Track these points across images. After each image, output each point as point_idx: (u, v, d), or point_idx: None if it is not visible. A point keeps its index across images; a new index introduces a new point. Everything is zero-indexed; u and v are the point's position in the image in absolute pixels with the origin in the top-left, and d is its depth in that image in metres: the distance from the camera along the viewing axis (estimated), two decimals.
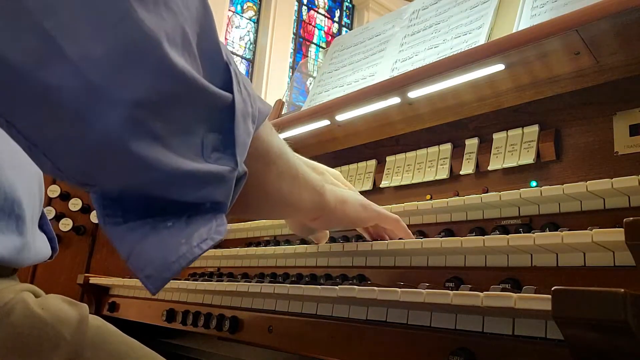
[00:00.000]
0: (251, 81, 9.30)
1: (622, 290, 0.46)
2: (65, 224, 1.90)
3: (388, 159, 1.40)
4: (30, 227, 0.63)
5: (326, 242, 1.04)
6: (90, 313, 0.63)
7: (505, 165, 1.12)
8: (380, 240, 0.98)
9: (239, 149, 0.46)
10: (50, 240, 0.72)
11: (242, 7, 8.97)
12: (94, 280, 1.53)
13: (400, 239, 0.97)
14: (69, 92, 0.35)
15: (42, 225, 0.71)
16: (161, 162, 0.39)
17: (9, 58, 0.33)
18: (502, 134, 1.16)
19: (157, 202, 0.43)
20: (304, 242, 1.28)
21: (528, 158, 1.09)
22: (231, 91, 0.45)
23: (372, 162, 1.45)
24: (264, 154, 0.58)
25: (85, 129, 0.36)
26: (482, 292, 0.59)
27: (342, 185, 0.93)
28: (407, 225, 1.00)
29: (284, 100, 2.12)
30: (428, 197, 1.26)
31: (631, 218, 0.59)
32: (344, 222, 0.85)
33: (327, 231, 0.98)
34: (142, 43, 0.36)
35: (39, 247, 0.66)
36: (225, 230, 0.47)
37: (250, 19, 9.05)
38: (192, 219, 0.44)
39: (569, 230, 0.72)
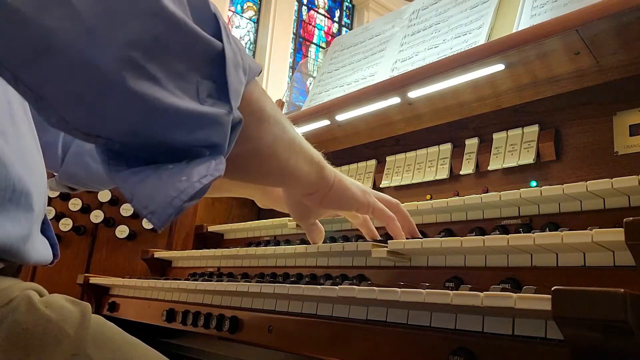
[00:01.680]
0: None
1: (622, 290, 0.46)
2: (65, 224, 1.90)
3: (388, 159, 1.40)
4: (36, 223, 0.64)
5: (326, 242, 1.04)
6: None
7: (505, 165, 1.12)
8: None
9: (233, 94, 0.47)
10: (52, 246, 0.72)
11: (242, 7, 8.97)
12: (94, 280, 1.53)
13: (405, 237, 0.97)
14: (68, 34, 0.37)
15: (45, 230, 0.71)
16: (158, 99, 0.42)
17: (9, 3, 0.36)
18: (502, 134, 1.16)
19: (158, 150, 0.45)
20: (304, 242, 1.28)
21: (528, 158, 1.09)
22: (220, 40, 0.47)
23: (372, 162, 1.45)
24: (257, 111, 0.59)
25: (85, 70, 0.38)
26: (482, 292, 0.59)
27: None
28: None
29: (284, 100, 2.12)
30: (428, 197, 1.26)
31: (631, 218, 0.59)
32: (340, 201, 0.85)
33: (322, 230, 0.98)
34: None
35: (42, 249, 0.67)
36: (224, 169, 0.48)
37: (250, 19, 9.05)
38: (192, 162, 0.46)
39: (569, 230, 0.72)
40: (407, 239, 0.94)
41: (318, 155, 0.77)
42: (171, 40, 0.42)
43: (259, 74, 0.56)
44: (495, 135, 1.17)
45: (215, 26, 0.47)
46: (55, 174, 0.96)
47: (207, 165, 0.47)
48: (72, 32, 0.37)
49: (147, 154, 0.45)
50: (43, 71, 0.38)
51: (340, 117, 1.44)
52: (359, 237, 1.09)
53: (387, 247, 0.94)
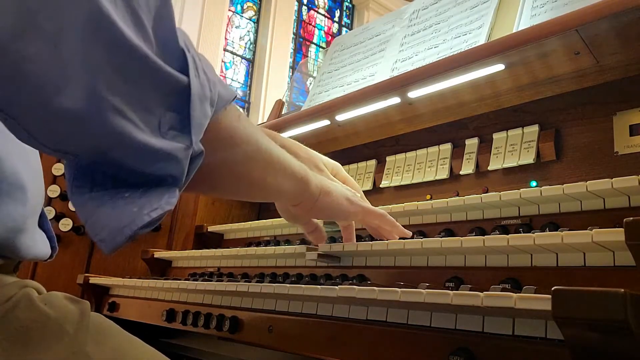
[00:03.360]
0: (251, 81, 9.34)
1: (622, 290, 0.46)
2: (65, 224, 1.90)
3: (388, 159, 1.40)
4: (32, 217, 0.64)
5: (326, 243, 1.04)
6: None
7: (505, 165, 1.12)
8: (380, 239, 0.99)
9: (195, 129, 0.49)
10: (49, 239, 0.72)
11: (242, 7, 8.97)
12: (94, 280, 1.53)
13: (401, 238, 0.97)
14: (41, 63, 0.39)
15: (42, 224, 0.71)
16: (120, 131, 0.43)
17: None
18: (502, 134, 1.16)
19: (123, 172, 0.47)
20: (304, 242, 1.28)
21: (528, 158, 1.09)
22: (187, 74, 0.48)
23: (372, 162, 1.45)
24: (227, 137, 0.61)
25: (53, 98, 0.40)
26: (482, 292, 0.59)
27: (337, 181, 0.94)
28: (407, 225, 1.00)
29: (284, 100, 2.12)
30: (428, 197, 1.26)
31: (631, 218, 0.59)
32: (326, 213, 0.87)
33: (323, 230, 0.99)
34: (97, 17, 0.40)
35: (39, 242, 0.67)
36: (175, 202, 0.51)
37: (250, 19, 9.05)
38: (147, 191, 0.48)
39: (569, 230, 0.72)
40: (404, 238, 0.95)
41: (302, 169, 0.78)
42: (134, 73, 0.43)
43: (233, 100, 0.58)
44: (495, 135, 1.17)
45: (182, 60, 0.49)
46: None
47: (159, 199, 0.48)
48: (44, 61, 0.39)
49: (114, 171, 0.47)
50: (13, 95, 0.40)
51: (340, 117, 1.44)
52: (359, 237, 1.09)
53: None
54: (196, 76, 0.49)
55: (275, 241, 1.45)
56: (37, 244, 0.66)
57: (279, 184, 0.74)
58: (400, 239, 0.98)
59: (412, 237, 1.01)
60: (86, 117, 0.41)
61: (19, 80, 0.39)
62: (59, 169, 1.97)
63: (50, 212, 1.91)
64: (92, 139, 0.43)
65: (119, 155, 0.45)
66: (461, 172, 1.21)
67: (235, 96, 0.59)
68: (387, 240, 0.98)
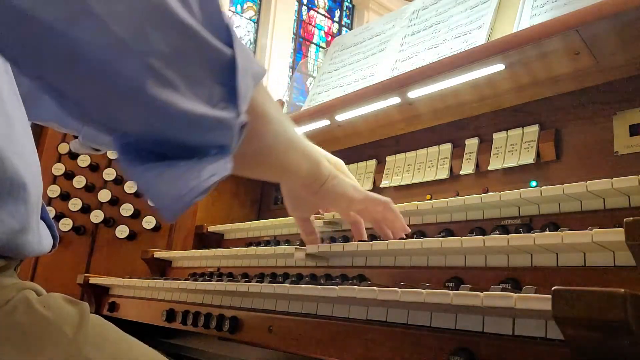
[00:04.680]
0: None
1: (622, 290, 0.46)
2: (65, 224, 1.90)
3: (388, 159, 1.40)
4: (35, 213, 0.64)
5: (326, 242, 1.04)
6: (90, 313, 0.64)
7: (505, 165, 1.12)
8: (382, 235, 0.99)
9: (241, 100, 0.51)
10: (49, 227, 0.72)
11: (242, 7, 8.96)
12: (94, 280, 1.53)
13: (401, 238, 0.97)
14: (98, 45, 0.40)
15: (41, 213, 0.71)
16: (176, 104, 0.45)
17: (42, 18, 0.38)
18: (502, 134, 1.16)
19: (171, 147, 0.49)
20: (304, 242, 1.28)
21: (528, 158, 1.09)
22: (232, 47, 0.50)
23: (372, 162, 1.45)
24: (261, 113, 0.64)
25: (111, 78, 0.42)
26: (482, 292, 0.59)
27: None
28: (407, 226, 1.00)
29: (284, 100, 2.11)
30: (428, 197, 1.26)
31: (631, 218, 0.59)
32: (331, 197, 0.89)
33: (316, 232, 1.02)
34: (154, 1, 0.43)
35: (43, 237, 0.67)
36: (231, 167, 0.53)
37: (250, 19, 9.05)
38: (202, 160, 0.50)
39: (569, 230, 0.72)
40: (404, 238, 0.95)
41: (316, 151, 0.83)
42: (188, 49, 0.46)
43: (263, 76, 0.59)
44: (495, 135, 1.17)
45: (227, 35, 0.50)
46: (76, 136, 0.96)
47: (215, 165, 0.50)
48: (102, 43, 0.40)
49: (161, 149, 0.49)
50: (71, 77, 0.41)
51: (340, 117, 1.44)
52: None
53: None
54: (240, 49, 0.51)
55: (275, 241, 1.45)
56: (42, 239, 0.66)
57: (297, 162, 0.78)
58: (399, 238, 0.98)
59: (412, 237, 1.01)
60: (144, 93, 0.43)
61: (78, 63, 0.40)
62: (59, 169, 1.97)
63: (50, 212, 1.91)
64: (148, 116, 0.45)
65: (173, 130, 0.47)
66: (461, 172, 1.21)
67: (265, 73, 0.60)
68: (388, 237, 0.98)
